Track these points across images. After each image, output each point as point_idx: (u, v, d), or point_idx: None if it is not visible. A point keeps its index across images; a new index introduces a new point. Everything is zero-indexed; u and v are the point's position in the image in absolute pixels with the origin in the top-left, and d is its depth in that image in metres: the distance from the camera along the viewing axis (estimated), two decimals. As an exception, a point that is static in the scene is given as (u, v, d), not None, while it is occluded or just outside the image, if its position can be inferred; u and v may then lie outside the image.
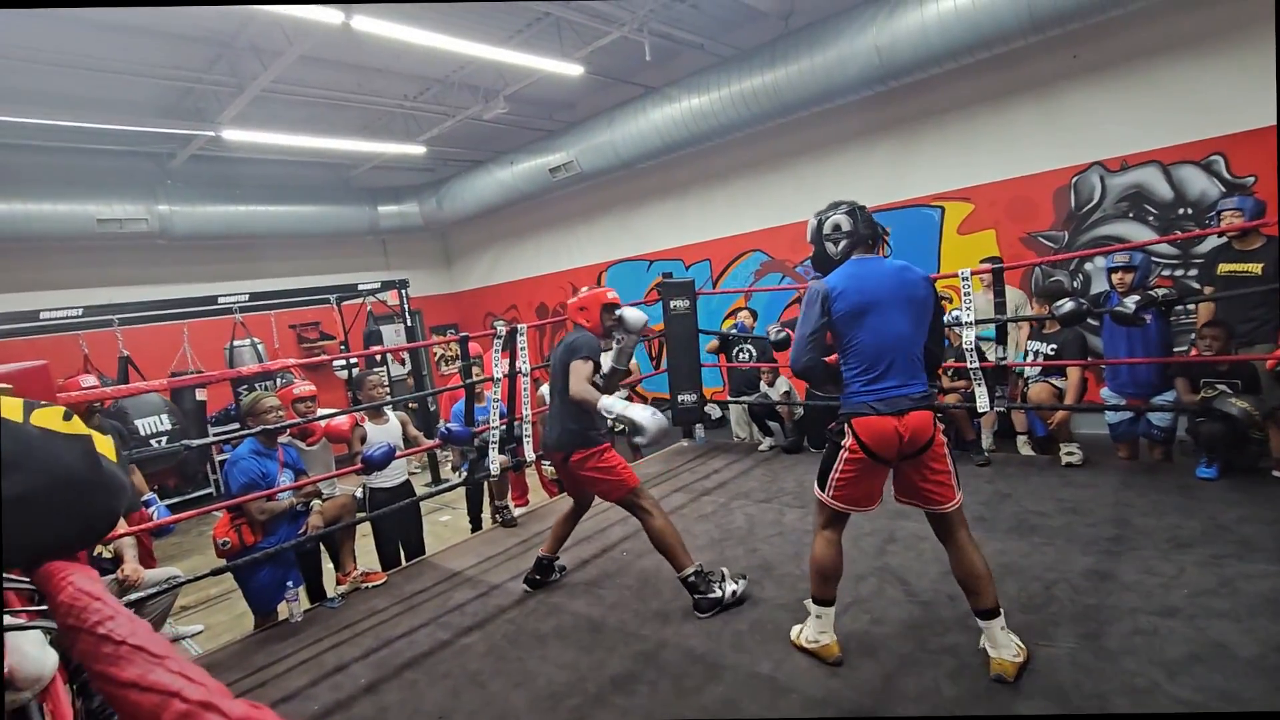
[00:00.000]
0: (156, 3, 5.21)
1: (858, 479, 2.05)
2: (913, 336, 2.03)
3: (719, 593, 2.56)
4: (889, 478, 2.11)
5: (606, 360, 2.96)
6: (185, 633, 4.00)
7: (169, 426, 5.59)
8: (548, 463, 4.73)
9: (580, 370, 2.70)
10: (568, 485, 3.06)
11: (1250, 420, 3.04)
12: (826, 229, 2.15)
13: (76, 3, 5.01)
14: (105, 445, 0.85)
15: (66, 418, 0.76)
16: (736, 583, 2.61)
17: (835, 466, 2.07)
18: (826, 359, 2.12)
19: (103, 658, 0.54)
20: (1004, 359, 3.90)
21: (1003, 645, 1.95)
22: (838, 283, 2.05)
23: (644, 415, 2.46)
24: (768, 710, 1.96)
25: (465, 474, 4.10)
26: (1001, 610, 1.98)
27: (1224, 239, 3.63)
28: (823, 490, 2.11)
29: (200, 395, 6.39)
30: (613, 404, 2.56)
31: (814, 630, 2.18)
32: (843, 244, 2.13)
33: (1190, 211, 4.71)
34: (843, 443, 2.05)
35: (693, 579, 2.58)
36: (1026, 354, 4.13)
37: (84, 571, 0.68)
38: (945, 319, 4.07)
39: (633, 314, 2.97)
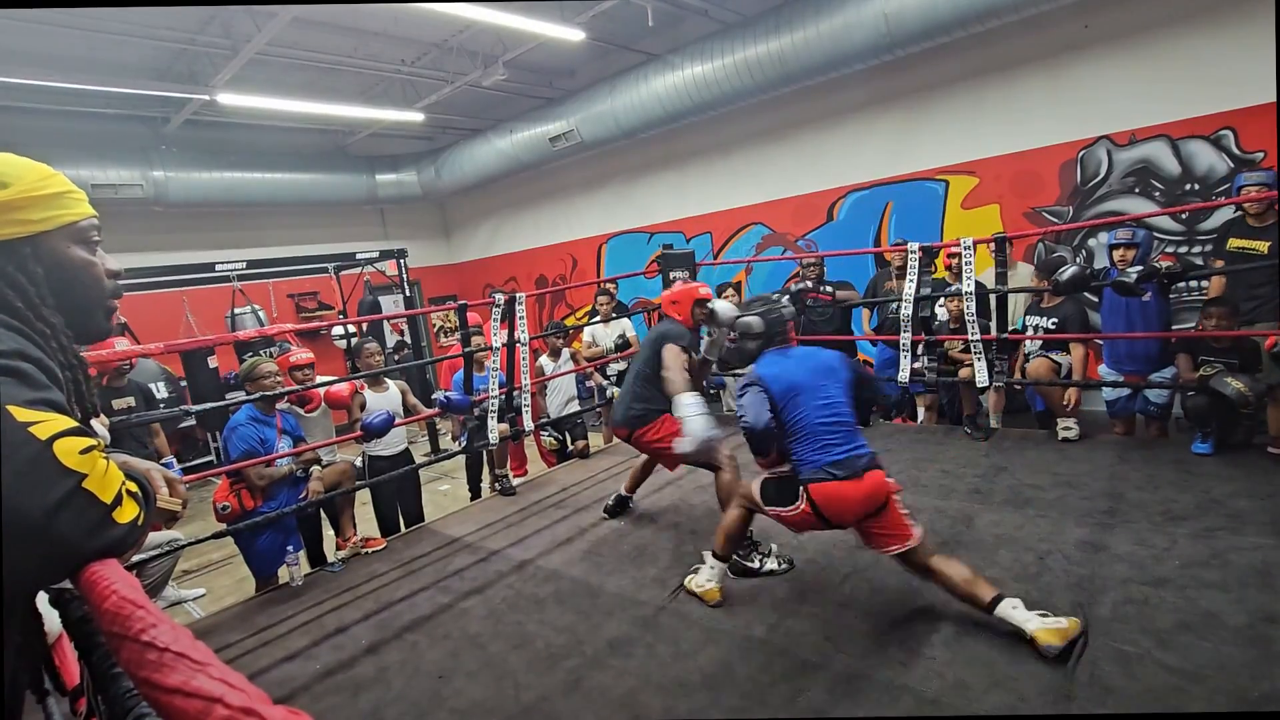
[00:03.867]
0: (149, 3, 5.11)
1: (800, 526, 2.28)
2: (847, 404, 2.25)
3: (756, 564, 2.63)
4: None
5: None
6: (187, 596, 4.06)
7: (167, 394, 5.59)
8: (546, 433, 4.75)
9: (673, 354, 2.84)
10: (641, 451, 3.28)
11: (1244, 400, 3.03)
12: (739, 329, 2.43)
13: (76, 3, 4.90)
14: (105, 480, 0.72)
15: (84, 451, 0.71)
16: (779, 564, 2.64)
17: (785, 510, 2.24)
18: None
19: (147, 664, 0.55)
20: (1005, 334, 3.89)
21: (1027, 620, 1.93)
22: (764, 371, 2.30)
23: (698, 427, 2.52)
24: (762, 672, 2.00)
25: (464, 443, 4.12)
26: (1002, 596, 2.00)
27: (1238, 213, 3.56)
28: (766, 505, 2.31)
29: (212, 362, 6.37)
30: (686, 408, 2.60)
31: (705, 578, 2.45)
32: (753, 345, 2.41)
33: (1197, 187, 4.66)
34: (798, 503, 2.19)
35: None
36: (1026, 328, 4.11)
37: (126, 579, 0.68)
38: (950, 289, 4.10)
39: (723, 306, 3.08)
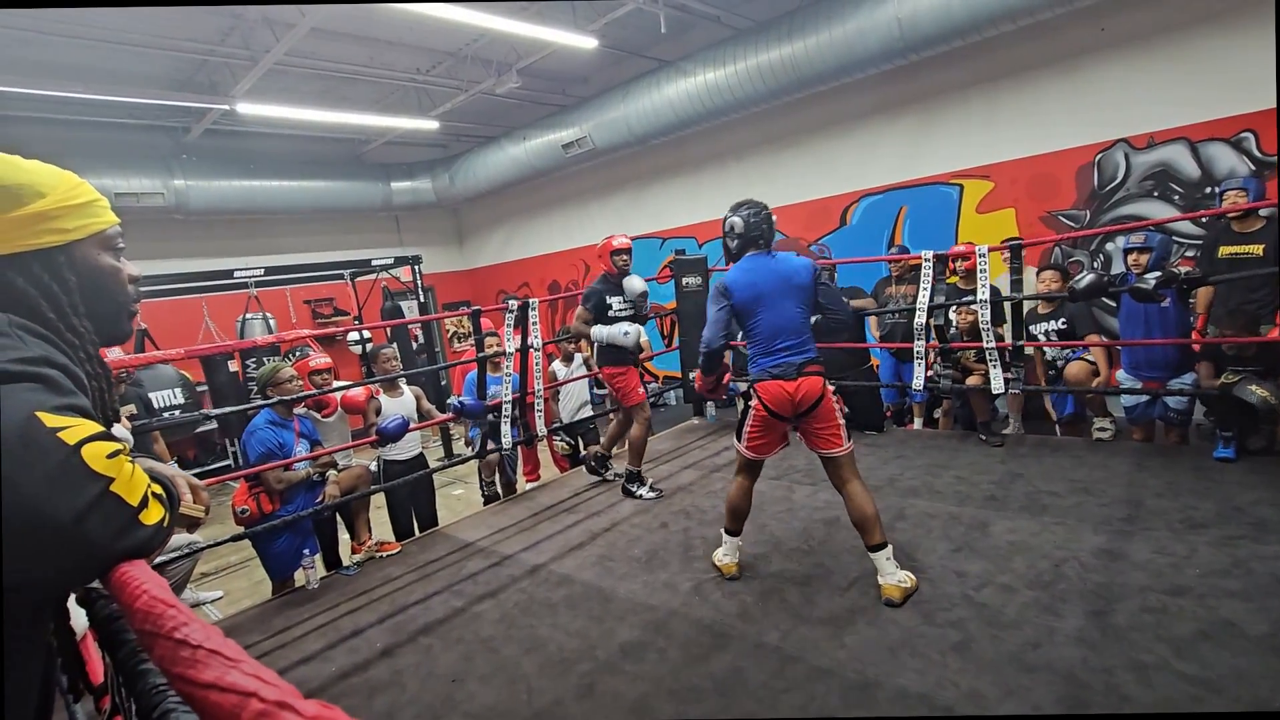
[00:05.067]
0: (156, 2, 5.20)
1: (764, 432, 2.53)
2: (802, 317, 2.49)
3: (637, 491, 3.63)
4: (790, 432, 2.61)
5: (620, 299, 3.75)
6: (205, 598, 4.11)
7: (183, 400, 5.69)
8: (558, 437, 4.77)
9: (576, 314, 3.76)
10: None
11: (1269, 408, 2.98)
12: (725, 228, 2.59)
13: (77, 2, 5.00)
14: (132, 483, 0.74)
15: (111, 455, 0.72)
16: (652, 491, 3.62)
17: (746, 423, 2.53)
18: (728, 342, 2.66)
19: (181, 661, 0.56)
20: (1020, 341, 3.85)
21: (888, 574, 2.32)
22: (733, 278, 2.52)
23: (618, 332, 3.51)
24: (774, 678, 1.99)
25: (477, 448, 4.14)
26: (889, 544, 2.35)
27: (1224, 221, 3.57)
28: (739, 443, 2.58)
29: (232, 366, 6.47)
30: (603, 333, 3.59)
31: (723, 553, 2.70)
32: (735, 243, 2.58)
33: (1217, 190, 4.59)
34: (751, 404, 2.51)
35: (631, 473, 3.70)
36: (1034, 338, 4.04)
37: (155, 579, 0.70)
38: (964, 300, 4.06)
39: (632, 280, 3.74)
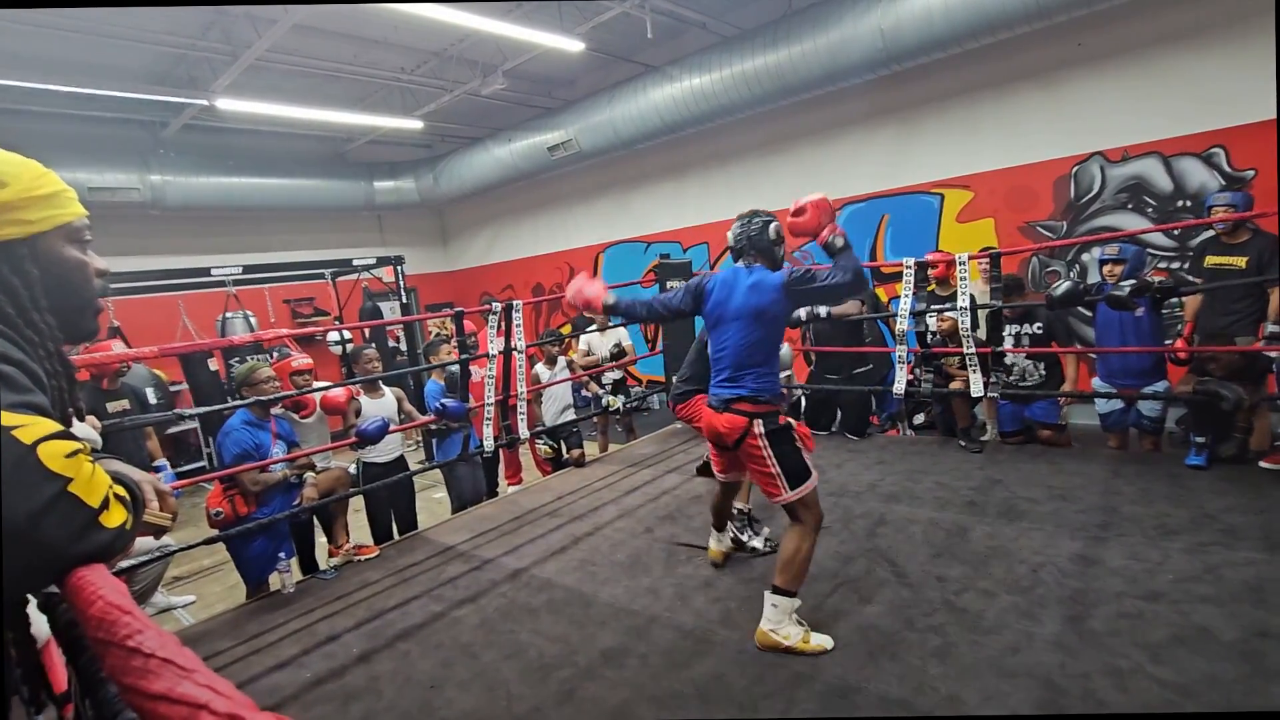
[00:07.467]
0: (147, 3, 5.12)
1: (716, 454, 2.50)
2: (746, 344, 2.25)
3: (745, 538, 2.89)
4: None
5: None
6: (177, 603, 4.02)
7: (156, 400, 5.56)
8: (541, 441, 4.74)
9: None
10: None
11: (1239, 399, 3.06)
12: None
13: (76, 3, 4.91)
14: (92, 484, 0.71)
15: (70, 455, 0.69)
16: (765, 544, 2.89)
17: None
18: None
19: (132, 671, 0.54)
20: (999, 347, 3.90)
21: (766, 618, 2.15)
22: (712, 283, 2.38)
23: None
24: (755, 683, 1.99)
25: (461, 451, 4.10)
26: (786, 594, 2.13)
27: (1213, 232, 3.66)
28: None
29: (212, 365, 6.34)
30: None
31: (712, 542, 2.81)
32: (730, 254, 2.46)
33: (1189, 204, 4.71)
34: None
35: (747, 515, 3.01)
36: (1004, 339, 4.07)
37: (113, 584, 0.67)
38: (946, 308, 4.08)
39: None
